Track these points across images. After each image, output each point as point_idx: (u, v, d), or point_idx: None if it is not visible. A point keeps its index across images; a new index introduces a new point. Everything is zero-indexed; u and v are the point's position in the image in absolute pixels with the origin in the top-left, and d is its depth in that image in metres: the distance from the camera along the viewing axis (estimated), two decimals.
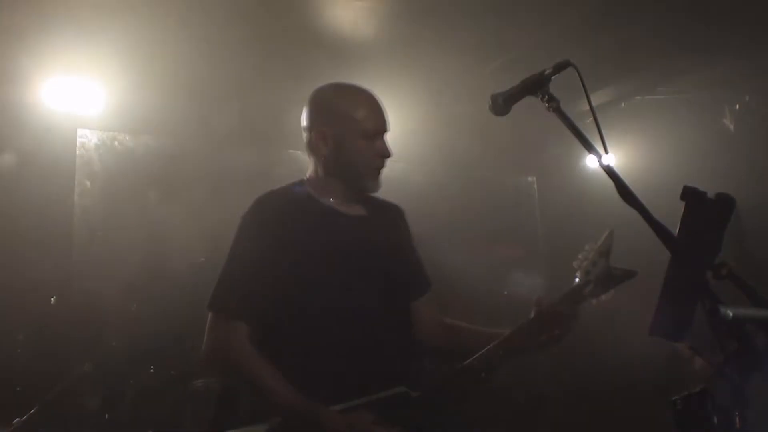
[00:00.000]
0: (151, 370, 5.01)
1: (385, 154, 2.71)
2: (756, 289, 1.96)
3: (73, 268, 5.61)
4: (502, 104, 2.43)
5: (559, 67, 2.27)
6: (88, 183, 5.82)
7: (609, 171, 2.04)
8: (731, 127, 6.25)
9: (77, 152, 5.79)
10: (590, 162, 7.04)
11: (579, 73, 2.24)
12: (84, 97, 5.50)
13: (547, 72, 2.28)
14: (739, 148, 5.89)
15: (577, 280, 2.42)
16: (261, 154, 6.31)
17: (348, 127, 2.67)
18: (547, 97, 2.26)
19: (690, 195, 1.94)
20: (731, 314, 1.67)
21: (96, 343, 5.18)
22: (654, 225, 1.87)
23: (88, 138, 5.89)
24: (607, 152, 2.12)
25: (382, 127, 2.73)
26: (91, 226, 5.86)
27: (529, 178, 7.81)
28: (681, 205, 5.20)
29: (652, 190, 6.14)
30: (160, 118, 5.80)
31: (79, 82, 5.43)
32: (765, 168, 5.48)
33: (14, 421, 4.49)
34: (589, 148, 2.11)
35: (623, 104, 6.70)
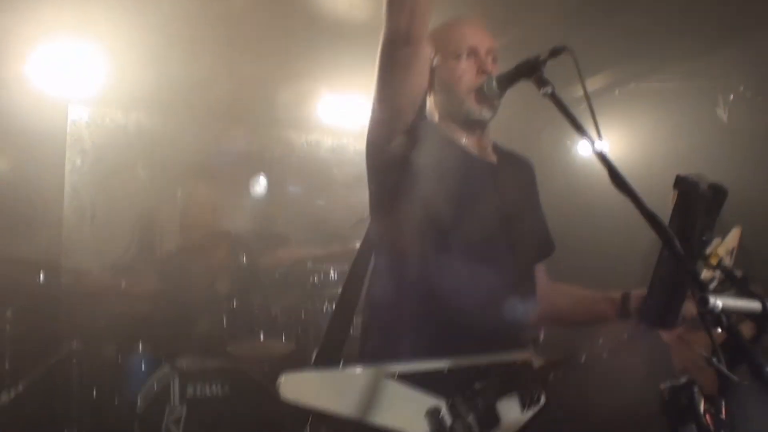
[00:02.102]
0: (139, 348, 4.98)
1: (481, 69, 2.50)
2: (745, 280, 1.96)
3: (63, 246, 5.60)
4: (496, 88, 2.42)
5: (555, 52, 2.25)
6: (78, 160, 5.81)
7: (602, 157, 2.02)
8: (725, 117, 6.24)
9: (68, 129, 5.76)
10: (584, 148, 7.06)
11: (575, 58, 2.22)
12: (75, 74, 5.41)
13: (542, 56, 2.26)
14: (732, 138, 5.89)
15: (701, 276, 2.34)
16: (252, 131, 6.30)
17: (439, 53, 2.53)
18: (541, 82, 2.22)
19: (683, 184, 1.93)
20: (720, 305, 1.67)
21: (84, 320, 5.15)
22: (645, 213, 1.85)
23: (79, 115, 5.87)
24: (600, 138, 2.09)
25: (474, 42, 2.53)
26: (81, 203, 5.87)
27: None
28: (673, 193, 5.21)
29: (645, 177, 6.19)
30: (151, 94, 5.77)
31: (70, 57, 5.36)
32: (758, 158, 5.48)
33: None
34: (583, 133, 2.08)
35: (617, 91, 6.69)
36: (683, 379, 1.77)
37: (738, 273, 2.38)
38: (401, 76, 2.27)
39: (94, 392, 5.03)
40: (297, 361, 5.08)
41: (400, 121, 2.34)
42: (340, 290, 2.59)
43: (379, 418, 2.15)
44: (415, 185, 2.38)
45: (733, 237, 2.39)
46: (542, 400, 2.38)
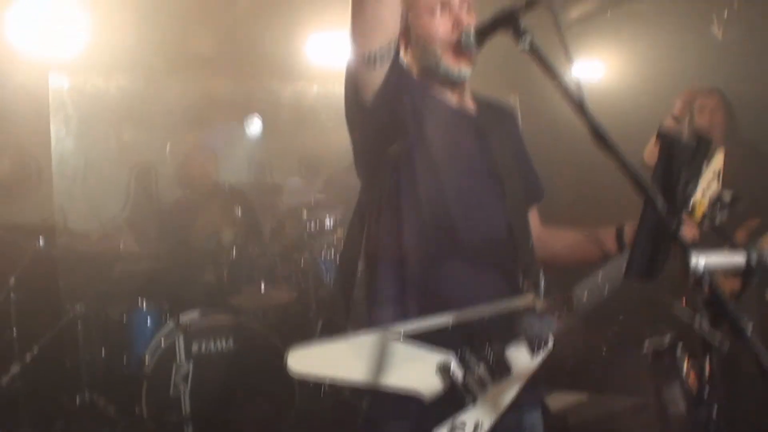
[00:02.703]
0: (144, 307, 5.03)
1: (456, 22, 2.40)
2: (730, 234, 1.95)
3: (60, 209, 5.61)
4: (473, 41, 2.35)
5: (532, 3, 2.17)
6: (63, 128, 5.78)
7: (582, 111, 1.98)
8: (719, 34, 6.14)
9: (50, 97, 5.71)
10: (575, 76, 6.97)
11: (554, 13, 2.15)
12: (54, 41, 5.31)
13: (519, 7, 2.18)
14: (727, 55, 5.81)
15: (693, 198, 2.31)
16: (237, 81, 6.24)
17: (412, 8, 2.43)
18: (519, 34, 2.15)
19: (664, 139, 1.91)
20: (703, 264, 1.66)
21: (86, 282, 5.19)
22: (628, 172, 1.83)
23: (60, 82, 5.81)
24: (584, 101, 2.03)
25: None
26: (70, 168, 5.87)
27: (512, 98, 7.74)
28: (659, 117, 5.12)
29: (640, 98, 6.16)
30: (131, 56, 5.67)
31: (48, 23, 5.25)
32: (754, 74, 5.43)
33: (11, 368, 4.56)
34: (565, 88, 2.03)
35: (609, 12, 6.57)
36: (667, 339, 1.78)
37: (727, 195, 2.40)
38: (371, 8, 2.18)
39: (103, 352, 5.10)
40: (299, 309, 5.16)
41: (372, 63, 2.24)
42: (338, 258, 2.58)
43: (391, 380, 2.16)
44: (396, 139, 2.35)
45: (718, 159, 2.39)
46: (550, 343, 2.37)
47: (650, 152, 5.02)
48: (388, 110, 2.32)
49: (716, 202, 2.40)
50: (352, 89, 2.35)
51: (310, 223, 5.18)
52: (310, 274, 5.17)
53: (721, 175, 2.41)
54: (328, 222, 5.14)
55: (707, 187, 2.37)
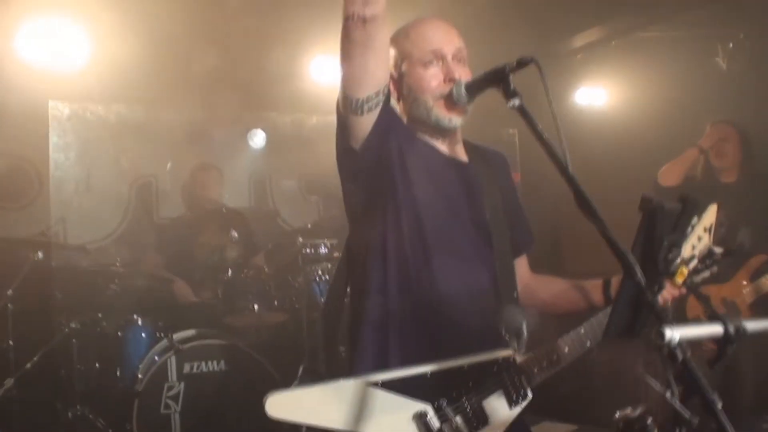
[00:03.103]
0: (139, 322, 5.07)
1: (448, 76, 2.44)
2: (709, 299, 1.97)
3: (55, 226, 5.68)
4: (465, 95, 2.38)
5: (522, 63, 2.20)
6: (62, 155, 5.83)
7: (570, 180, 2.01)
8: (724, 65, 6.16)
9: (50, 124, 5.78)
10: (582, 96, 7.04)
11: (541, 71, 2.19)
12: (54, 69, 5.35)
13: (509, 67, 2.22)
14: (731, 86, 5.84)
15: (683, 254, 2.25)
16: (238, 107, 6.29)
17: (405, 59, 2.49)
18: (509, 93, 2.19)
19: (646, 206, 1.92)
20: (677, 337, 1.66)
21: (83, 297, 5.24)
22: (608, 239, 1.85)
23: (60, 110, 5.88)
24: (568, 165, 2.06)
25: (439, 45, 2.47)
26: (69, 181, 5.93)
27: (510, 131, 7.77)
28: (666, 144, 5.14)
29: (644, 128, 6.17)
30: (130, 85, 5.72)
31: (49, 53, 5.30)
32: (758, 105, 5.44)
33: (5, 381, 4.59)
34: (553, 156, 2.06)
35: (614, 42, 6.59)
36: (638, 410, 1.79)
37: (717, 250, 2.41)
38: (359, 58, 2.22)
39: (97, 366, 5.13)
40: (290, 330, 5.20)
41: (360, 110, 2.28)
42: (323, 301, 2.60)
43: (368, 428, 2.17)
44: (383, 186, 2.39)
45: (710, 214, 2.36)
46: (529, 394, 2.38)
47: (666, 173, 5.04)
48: (376, 156, 2.36)
49: (706, 257, 2.42)
50: (342, 134, 2.39)
51: (305, 248, 5.24)
52: (303, 297, 5.23)
53: (712, 230, 2.42)
54: (323, 248, 5.22)
55: (697, 242, 2.38)
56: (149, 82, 5.72)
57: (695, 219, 2.39)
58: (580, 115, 7.11)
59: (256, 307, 5.11)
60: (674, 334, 1.63)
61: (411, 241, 2.36)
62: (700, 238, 2.37)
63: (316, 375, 2.46)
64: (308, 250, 5.22)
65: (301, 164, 6.86)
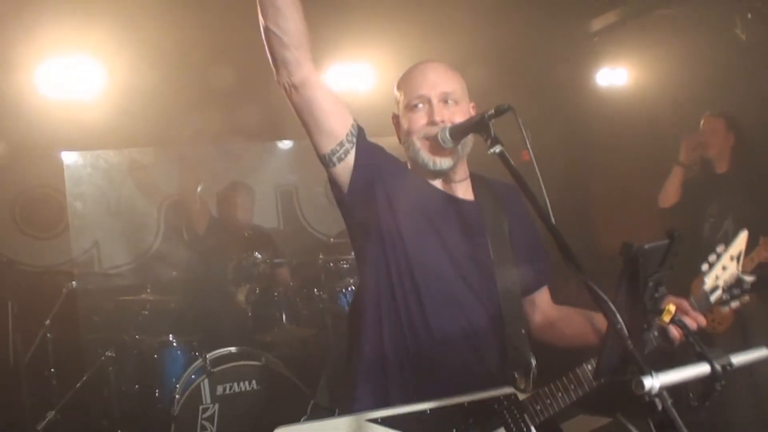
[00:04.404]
0: (174, 343, 5.21)
1: (430, 119, 2.48)
2: (698, 336, 1.96)
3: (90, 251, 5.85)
4: (450, 138, 2.42)
5: (501, 111, 2.24)
6: (78, 204, 5.97)
7: (554, 233, 2.03)
8: (743, 36, 6.05)
9: (65, 174, 5.92)
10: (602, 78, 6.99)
11: (517, 118, 2.21)
12: (66, 121, 5.51)
13: (488, 114, 2.25)
14: (752, 57, 5.74)
15: (705, 285, 2.35)
16: (257, 129, 6.36)
17: (401, 104, 2.58)
18: (491, 140, 2.22)
19: (628, 253, 1.93)
20: (657, 386, 1.66)
21: (118, 324, 5.39)
22: (591, 290, 1.87)
23: (73, 160, 6.01)
24: (551, 216, 2.08)
25: (424, 90, 2.51)
26: (87, 237, 6.13)
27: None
28: (687, 121, 5.13)
29: (666, 106, 6.10)
30: (142, 131, 5.83)
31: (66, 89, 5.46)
32: None
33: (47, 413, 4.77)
34: (538, 209, 2.08)
35: (632, 22, 6.52)
36: None
37: (748, 279, 2.39)
38: (308, 119, 2.37)
39: (137, 387, 5.27)
40: (319, 343, 5.35)
41: (329, 162, 2.40)
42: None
43: None
44: (375, 230, 2.44)
45: (739, 242, 2.36)
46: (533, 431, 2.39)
47: (663, 196, 5.26)
48: (361, 202, 2.44)
49: (733, 287, 2.40)
50: (331, 185, 2.49)
51: (329, 264, 5.35)
52: (328, 312, 5.38)
53: (741, 259, 2.40)
54: (344, 264, 5.32)
55: (722, 272, 2.36)
56: (169, 105, 5.83)
57: (721, 247, 2.38)
58: (601, 96, 7.07)
59: (285, 322, 5.24)
60: (654, 382, 1.63)
61: (401, 284, 2.41)
62: (725, 268, 2.34)
63: (326, 411, 2.53)
64: (332, 265, 5.34)
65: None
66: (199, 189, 5.64)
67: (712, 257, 2.37)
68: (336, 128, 2.38)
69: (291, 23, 2.26)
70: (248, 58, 5.82)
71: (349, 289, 5.37)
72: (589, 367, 2.44)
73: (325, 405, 2.65)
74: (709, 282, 2.35)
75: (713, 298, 2.37)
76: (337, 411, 2.53)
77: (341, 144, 2.38)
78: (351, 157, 2.40)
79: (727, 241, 2.32)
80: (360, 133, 2.45)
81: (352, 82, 6.32)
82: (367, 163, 2.44)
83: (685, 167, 5.19)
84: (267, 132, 6.65)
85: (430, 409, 2.28)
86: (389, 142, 2.71)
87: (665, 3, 6.27)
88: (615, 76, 7.04)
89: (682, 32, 6.21)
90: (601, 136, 7.08)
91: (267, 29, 2.27)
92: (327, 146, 2.38)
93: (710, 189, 5.00)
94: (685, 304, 2.33)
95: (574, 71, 7.08)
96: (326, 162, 2.41)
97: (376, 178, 2.44)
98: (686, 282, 4.36)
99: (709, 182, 5.06)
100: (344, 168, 2.41)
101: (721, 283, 2.35)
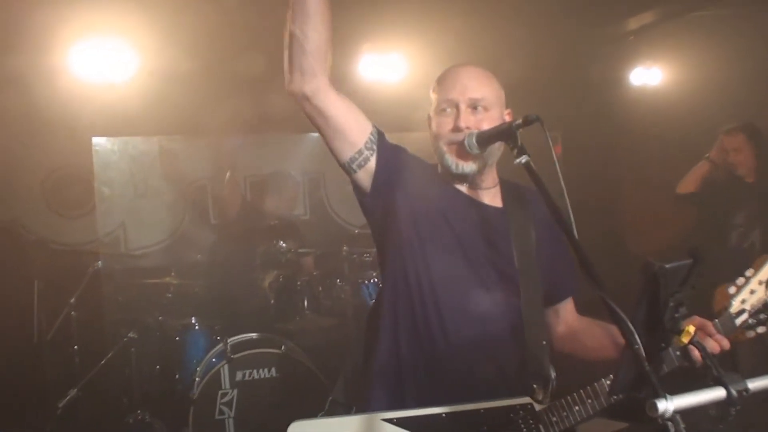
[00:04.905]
0: (196, 326, 5.27)
1: (456, 124, 2.48)
2: (716, 360, 1.95)
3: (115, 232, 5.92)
4: (476, 144, 2.42)
5: (528, 121, 2.24)
6: (106, 185, 6.03)
7: (575, 246, 2.02)
8: None
9: (93, 160, 5.99)
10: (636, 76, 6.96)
11: (544, 129, 2.20)
12: (97, 104, 5.55)
13: (515, 123, 2.26)
14: None
15: (731, 308, 2.34)
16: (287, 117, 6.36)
17: (432, 106, 2.58)
18: (517, 150, 2.22)
19: (647, 271, 1.92)
20: (671, 409, 1.65)
21: (140, 305, 5.45)
22: (610, 308, 1.87)
23: (102, 146, 6.08)
24: (574, 230, 2.07)
25: (453, 95, 2.51)
26: (114, 218, 6.25)
27: (556, 135, 7.70)
28: (722, 121, 5.15)
29: (697, 106, 6.07)
30: (172, 117, 5.89)
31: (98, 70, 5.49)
32: None
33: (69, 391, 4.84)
34: (562, 223, 2.08)
35: (668, 23, 6.47)
36: None
37: None
38: (323, 128, 2.40)
39: (158, 368, 5.34)
40: (340, 333, 5.39)
41: (350, 169, 2.44)
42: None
43: None
44: (394, 233, 2.47)
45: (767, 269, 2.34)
46: None
47: (683, 183, 5.34)
48: (381, 207, 2.47)
49: (760, 312, 2.36)
50: (354, 189, 2.53)
51: (352, 255, 5.40)
52: (349, 303, 5.41)
53: None
54: (367, 256, 5.34)
55: (749, 295, 2.35)
56: (201, 92, 5.86)
57: (750, 271, 2.36)
58: (635, 95, 7.06)
59: (306, 311, 5.30)
60: (668, 406, 1.63)
61: (419, 287, 2.42)
62: (753, 292, 2.33)
63: (343, 407, 2.56)
64: (355, 256, 5.38)
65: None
66: (227, 176, 5.68)
67: (740, 280, 2.36)
68: (353, 137, 2.41)
69: (316, 33, 2.28)
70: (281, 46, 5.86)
71: (372, 281, 5.40)
72: (608, 382, 2.44)
73: (342, 401, 2.68)
74: (735, 305, 2.34)
75: (739, 321, 2.35)
76: (354, 409, 2.55)
77: (360, 152, 2.41)
78: (372, 163, 2.43)
79: (754, 252, 2.32)
80: (380, 139, 2.47)
81: (383, 72, 6.30)
82: (388, 167, 2.46)
83: (713, 164, 5.24)
84: (297, 124, 6.67)
85: (446, 413, 2.28)
86: (417, 138, 2.76)
87: (702, 4, 6.21)
88: (649, 75, 7.06)
89: (718, 33, 6.17)
90: (633, 135, 7.07)
91: (292, 33, 2.29)
92: (346, 154, 2.42)
93: (738, 196, 4.99)
94: (709, 326, 2.32)
95: (608, 70, 7.07)
96: (347, 169, 2.45)
97: (397, 181, 2.46)
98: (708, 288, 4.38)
99: (736, 188, 5.09)
100: (365, 173, 2.44)
101: (747, 306, 2.34)
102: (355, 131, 2.42)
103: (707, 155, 5.27)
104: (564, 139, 7.54)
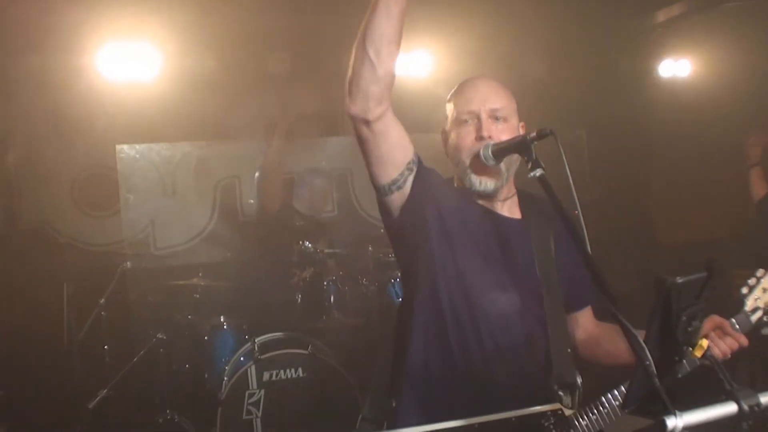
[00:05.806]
0: (225, 326, 5.35)
1: (479, 134, 2.49)
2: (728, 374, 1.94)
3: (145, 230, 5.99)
4: (492, 156, 2.42)
5: (543, 135, 2.24)
6: (131, 196, 6.09)
7: (589, 261, 2.03)
8: None
9: (117, 167, 6.06)
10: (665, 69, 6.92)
11: (558, 143, 2.20)
12: (124, 105, 5.63)
13: (530, 136, 2.26)
14: None
15: (745, 307, 2.38)
16: (317, 101, 6.37)
17: (450, 119, 2.58)
18: (531, 163, 2.23)
19: (661, 287, 1.91)
20: (680, 426, 1.66)
21: (169, 306, 5.52)
22: (623, 325, 1.88)
23: (126, 153, 6.14)
24: (587, 244, 2.07)
25: (475, 106, 2.51)
26: (143, 217, 6.31)
27: (579, 133, 7.64)
28: (750, 114, 5.15)
29: (725, 98, 6.02)
30: (198, 120, 5.92)
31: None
32: None
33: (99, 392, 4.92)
34: (577, 240, 2.08)
35: (697, 15, 6.40)
36: None
37: None
38: (373, 151, 2.38)
39: (187, 367, 5.40)
40: (365, 333, 5.44)
41: (387, 192, 2.44)
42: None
43: None
44: (424, 251, 2.47)
45: None
46: None
47: (755, 191, 5.28)
48: (411, 225, 2.47)
49: None
50: (381, 210, 2.53)
51: (377, 255, 5.44)
52: (375, 303, 5.45)
53: None
54: (392, 256, 5.34)
55: (762, 293, 2.40)
56: (228, 94, 5.90)
57: (761, 271, 2.38)
58: (664, 87, 7.02)
59: (333, 310, 5.34)
60: (677, 422, 1.63)
61: (450, 302, 2.44)
62: (765, 290, 2.35)
63: (373, 425, 2.58)
64: (380, 256, 5.41)
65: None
66: (256, 176, 5.73)
67: (751, 280, 2.40)
68: (399, 160, 2.42)
69: (391, 59, 2.26)
70: (306, 45, 5.89)
71: (398, 279, 5.41)
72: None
73: (371, 418, 2.69)
74: (749, 303, 2.36)
75: (754, 318, 2.39)
76: (385, 425, 2.57)
77: (402, 174, 2.41)
78: (408, 185, 2.44)
79: None
80: (419, 161, 2.48)
81: (408, 68, 6.28)
82: (422, 188, 2.46)
83: (758, 165, 5.23)
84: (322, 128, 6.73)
85: (479, 424, 2.29)
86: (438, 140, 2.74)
87: None
88: (678, 67, 7.02)
89: (748, 26, 6.10)
90: (662, 127, 7.03)
91: (365, 56, 2.23)
92: (388, 177, 2.41)
93: None
94: (726, 325, 2.37)
95: (637, 61, 7.02)
96: (383, 191, 2.44)
97: (429, 201, 2.46)
98: None
99: None
100: (400, 195, 2.45)
101: (761, 304, 2.38)
102: (402, 155, 2.42)
103: (749, 163, 5.26)
104: (589, 133, 7.52)
